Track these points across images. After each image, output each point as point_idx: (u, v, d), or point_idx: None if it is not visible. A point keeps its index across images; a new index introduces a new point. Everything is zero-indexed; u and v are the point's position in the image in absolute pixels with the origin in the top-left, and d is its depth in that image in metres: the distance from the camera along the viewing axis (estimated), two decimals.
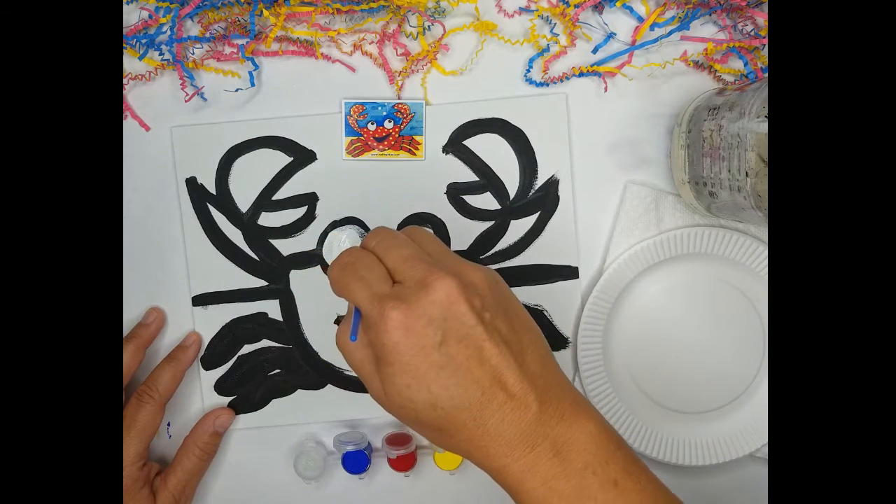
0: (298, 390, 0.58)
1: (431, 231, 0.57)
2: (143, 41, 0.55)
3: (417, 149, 0.57)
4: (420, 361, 0.38)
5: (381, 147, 0.57)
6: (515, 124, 0.57)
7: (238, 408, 0.58)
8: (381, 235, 0.42)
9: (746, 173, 0.45)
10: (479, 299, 0.39)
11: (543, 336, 0.42)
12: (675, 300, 0.57)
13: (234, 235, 0.57)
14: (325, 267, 0.57)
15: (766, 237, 0.56)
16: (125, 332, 0.56)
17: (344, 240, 0.57)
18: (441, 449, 0.56)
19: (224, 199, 0.57)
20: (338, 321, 0.58)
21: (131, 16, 0.56)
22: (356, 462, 0.57)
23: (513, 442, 0.38)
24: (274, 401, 0.58)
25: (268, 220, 0.57)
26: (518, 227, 0.57)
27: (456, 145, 0.57)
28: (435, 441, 0.41)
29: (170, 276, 0.57)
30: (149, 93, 0.57)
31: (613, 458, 0.39)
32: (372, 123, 0.56)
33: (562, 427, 0.39)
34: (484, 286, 0.40)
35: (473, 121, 0.57)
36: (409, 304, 0.38)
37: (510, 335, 0.40)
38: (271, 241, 0.57)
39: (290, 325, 0.58)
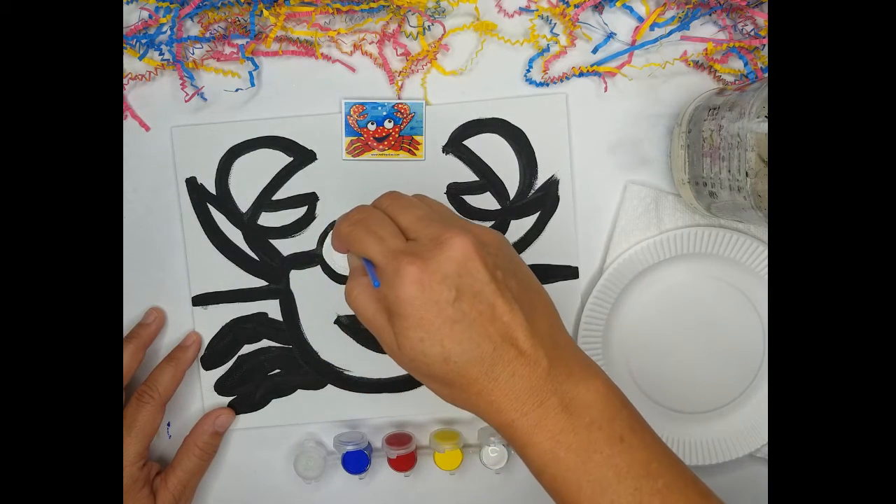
0: (298, 390, 0.58)
1: None
2: (143, 41, 0.55)
3: (417, 149, 0.57)
4: (434, 316, 0.39)
5: (381, 147, 0.57)
6: (515, 124, 0.57)
7: (238, 408, 0.58)
8: (391, 198, 0.43)
9: (746, 173, 0.45)
10: (492, 258, 0.40)
11: (551, 299, 0.43)
12: (676, 300, 0.57)
13: (234, 235, 0.57)
14: (325, 267, 0.57)
15: (766, 237, 0.56)
16: (125, 332, 0.56)
17: None
18: (442, 449, 0.56)
19: (224, 199, 0.57)
20: (338, 321, 0.58)
21: (131, 16, 0.56)
22: (356, 462, 0.57)
23: (522, 397, 0.39)
24: (274, 401, 0.58)
25: (268, 220, 0.57)
26: (518, 227, 0.57)
27: (456, 145, 0.57)
28: (445, 396, 0.42)
29: (170, 276, 0.57)
30: (149, 93, 0.57)
31: (619, 416, 0.40)
32: (372, 123, 0.56)
33: (570, 384, 0.40)
34: (496, 245, 0.41)
35: (473, 121, 0.57)
36: (424, 259, 0.39)
37: (521, 293, 0.40)
38: (271, 241, 0.57)
39: (290, 325, 0.58)
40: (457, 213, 0.44)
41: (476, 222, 0.43)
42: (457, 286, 0.39)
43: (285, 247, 0.57)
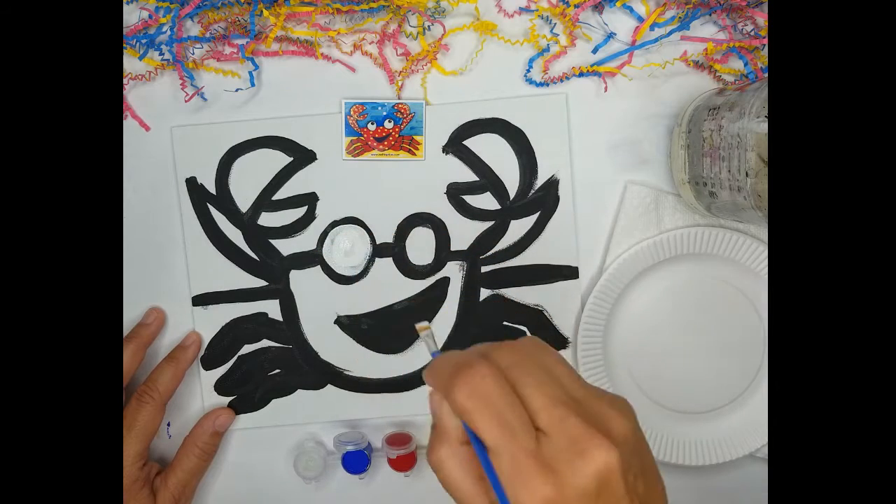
0: (298, 390, 0.58)
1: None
2: (143, 41, 0.55)
3: (417, 149, 0.57)
4: None
5: (381, 147, 0.57)
6: (515, 124, 0.57)
7: (238, 408, 0.58)
8: (511, 356, 0.37)
9: (746, 173, 0.45)
10: (627, 459, 0.36)
11: (662, 480, 0.39)
12: (676, 300, 0.57)
13: (234, 235, 0.57)
14: (325, 267, 0.57)
15: (766, 237, 0.56)
16: (125, 332, 0.56)
17: (344, 240, 0.57)
18: None
19: (224, 199, 0.57)
20: (338, 321, 0.58)
21: (131, 16, 0.56)
22: (356, 462, 0.57)
23: None
24: (274, 401, 0.58)
25: (268, 220, 0.57)
26: (518, 227, 0.57)
27: (456, 145, 0.57)
28: None
29: (170, 276, 0.57)
30: (149, 93, 0.57)
31: None
32: (372, 123, 0.56)
33: None
34: (631, 441, 0.36)
35: (473, 121, 0.57)
36: (561, 476, 0.34)
37: (646, 494, 0.36)
38: (271, 241, 0.57)
39: (290, 325, 0.58)
40: (581, 378, 0.38)
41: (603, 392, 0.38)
42: None
43: (285, 247, 0.57)
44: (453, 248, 0.57)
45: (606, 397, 0.37)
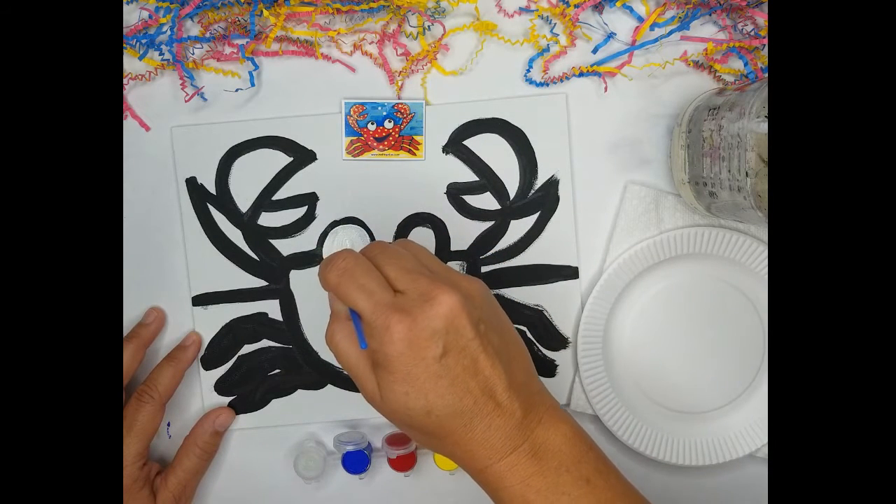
0: (298, 390, 0.58)
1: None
2: (143, 41, 0.55)
3: (417, 149, 0.57)
4: (420, 371, 0.40)
5: (381, 147, 0.57)
6: (515, 124, 0.57)
7: (238, 408, 0.58)
8: (379, 248, 0.44)
9: (746, 173, 0.45)
10: (477, 311, 0.41)
11: (526, 347, 0.45)
12: (676, 300, 0.57)
13: (234, 235, 0.57)
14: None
15: (766, 237, 0.56)
16: (125, 332, 0.56)
17: (344, 240, 0.57)
18: None
19: (224, 199, 0.57)
20: None
21: (131, 16, 0.56)
22: (356, 462, 0.57)
23: (496, 445, 0.41)
24: (274, 401, 0.58)
25: (268, 220, 0.57)
26: (518, 227, 0.57)
27: (456, 145, 0.57)
28: (421, 442, 0.44)
29: (170, 276, 0.57)
30: (149, 93, 0.57)
31: (585, 458, 0.42)
32: (372, 123, 0.56)
33: (540, 430, 0.42)
34: (480, 298, 0.42)
35: (473, 121, 0.57)
36: (413, 317, 0.40)
37: (501, 346, 0.42)
38: (271, 241, 0.57)
39: (290, 325, 0.58)
40: (440, 261, 0.45)
41: (454, 268, 0.44)
42: (444, 342, 0.40)
43: (285, 247, 0.57)
44: (453, 248, 0.57)
45: (460, 274, 0.44)
